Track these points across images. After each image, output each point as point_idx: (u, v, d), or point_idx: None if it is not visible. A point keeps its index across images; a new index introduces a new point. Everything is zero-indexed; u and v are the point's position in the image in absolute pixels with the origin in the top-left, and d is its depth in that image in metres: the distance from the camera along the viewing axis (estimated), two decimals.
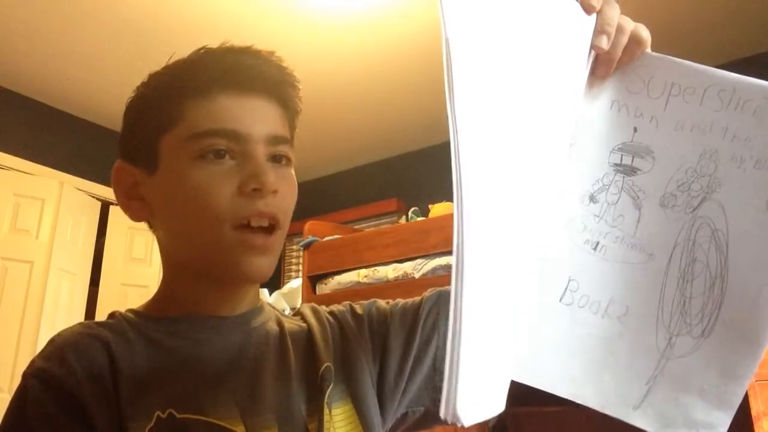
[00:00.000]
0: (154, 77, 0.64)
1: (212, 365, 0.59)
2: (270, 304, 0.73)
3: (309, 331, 0.69)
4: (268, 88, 0.62)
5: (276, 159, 0.62)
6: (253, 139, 0.59)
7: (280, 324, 0.68)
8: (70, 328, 0.60)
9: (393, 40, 2.89)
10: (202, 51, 0.63)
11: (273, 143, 0.61)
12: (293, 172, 0.65)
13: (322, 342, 0.67)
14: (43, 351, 0.57)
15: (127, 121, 0.65)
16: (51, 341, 0.58)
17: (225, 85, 0.60)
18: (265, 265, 0.60)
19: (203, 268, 0.62)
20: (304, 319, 0.71)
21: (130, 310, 0.64)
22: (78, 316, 3.34)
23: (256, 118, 0.60)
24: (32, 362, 0.56)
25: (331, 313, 0.73)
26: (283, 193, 0.61)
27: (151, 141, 0.62)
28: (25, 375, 0.55)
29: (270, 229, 0.60)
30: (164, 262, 0.66)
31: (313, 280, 2.80)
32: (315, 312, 0.73)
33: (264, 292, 3.00)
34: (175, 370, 0.57)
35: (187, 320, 0.62)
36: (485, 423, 3.05)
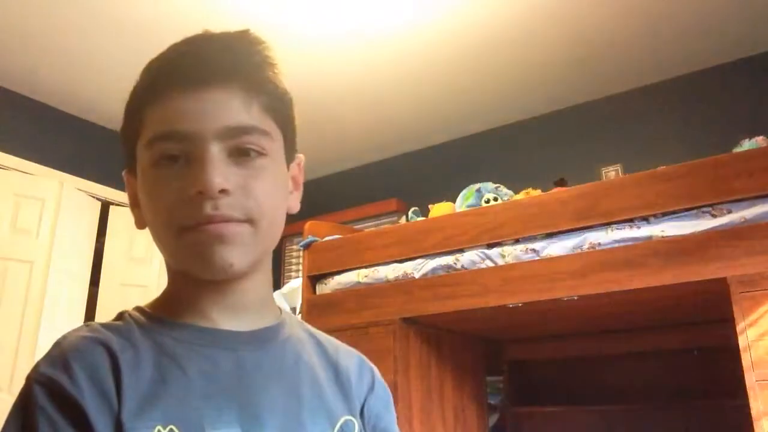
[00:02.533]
0: (137, 81, 0.63)
1: (219, 383, 0.57)
2: (300, 322, 0.72)
3: (336, 370, 0.68)
4: (226, 75, 0.58)
5: (242, 152, 0.58)
6: (200, 137, 0.56)
7: (298, 349, 0.66)
8: (76, 330, 0.59)
9: (393, 39, 2.89)
10: (165, 49, 0.61)
11: (231, 135, 0.57)
12: (271, 162, 0.60)
13: (344, 388, 0.67)
14: (48, 354, 0.56)
15: (120, 132, 0.65)
16: (57, 344, 0.57)
17: (176, 83, 0.57)
18: (226, 254, 0.56)
19: (184, 270, 0.61)
20: (335, 354, 0.70)
21: (139, 309, 0.63)
22: (78, 316, 3.34)
23: (206, 111, 0.56)
24: (37, 366, 0.55)
25: (371, 371, 0.73)
26: (244, 191, 0.57)
27: (131, 150, 0.62)
28: (29, 379, 0.54)
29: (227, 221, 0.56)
30: (166, 264, 0.66)
31: (313, 280, 2.80)
32: (347, 356, 0.71)
33: None
34: (180, 384, 0.56)
35: (198, 331, 0.61)
36: (486, 423, 3.05)
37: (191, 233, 0.56)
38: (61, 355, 0.55)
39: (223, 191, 0.55)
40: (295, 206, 0.67)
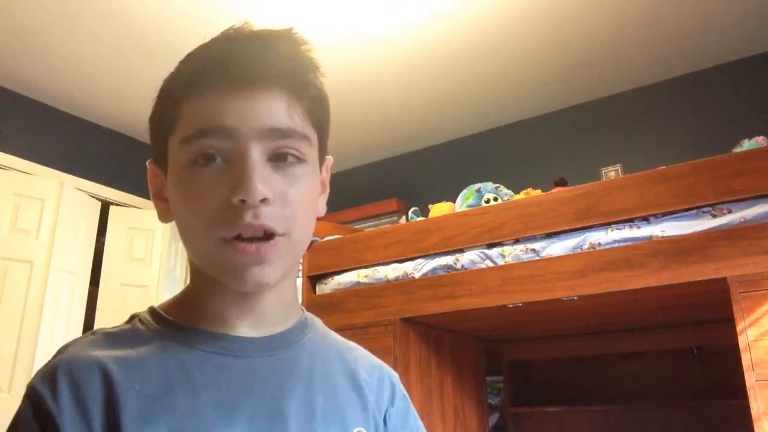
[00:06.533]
0: (173, 71, 0.60)
1: (228, 391, 0.56)
2: (323, 326, 0.70)
3: (354, 380, 0.66)
4: (270, 77, 0.56)
5: (281, 157, 0.56)
6: (242, 134, 0.54)
7: (314, 355, 0.65)
8: (79, 339, 0.58)
9: (393, 40, 2.89)
10: (207, 42, 0.59)
11: (272, 138, 0.55)
12: (308, 168, 0.59)
13: (363, 399, 0.65)
14: (45, 364, 0.55)
15: (149, 121, 0.63)
16: (57, 353, 0.56)
17: (219, 81, 0.55)
18: (262, 274, 0.55)
19: (210, 274, 0.59)
20: (355, 363, 0.68)
21: (153, 312, 0.62)
22: (78, 316, 3.34)
23: (249, 111, 0.55)
24: (35, 375, 0.55)
25: (391, 382, 0.71)
26: (282, 198, 0.55)
27: (162, 143, 0.60)
28: (26, 389, 0.54)
29: (267, 237, 0.55)
30: (189, 264, 0.64)
31: (313, 280, 2.80)
32: (368, 366, 0.70)
33: None
34: (188, 393, 0.55)
35: (211, 338, 0.59)
36: (485, 423, 3.05)
37: (230, 248, 0.54)
38: (52, 368, 0.54)
39: (264, 200, 0.53)
40: (322, 209, 0.65)
